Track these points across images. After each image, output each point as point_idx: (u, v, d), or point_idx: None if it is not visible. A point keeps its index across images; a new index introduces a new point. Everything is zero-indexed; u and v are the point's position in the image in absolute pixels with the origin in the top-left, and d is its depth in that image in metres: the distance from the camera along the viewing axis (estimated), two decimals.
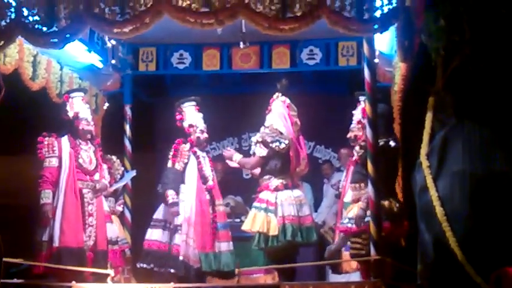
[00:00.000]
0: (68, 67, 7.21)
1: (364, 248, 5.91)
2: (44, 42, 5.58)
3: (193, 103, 6.70)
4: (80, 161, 6.22)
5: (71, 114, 6.31)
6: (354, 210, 5.97)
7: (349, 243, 6.05)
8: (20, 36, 5.68)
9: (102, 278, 5.93)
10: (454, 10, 5.72)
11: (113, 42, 7.15)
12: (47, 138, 6.17)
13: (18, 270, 6.12)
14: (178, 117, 6.65)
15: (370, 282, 5.31)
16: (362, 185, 5.94)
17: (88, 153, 6.32)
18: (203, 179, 6.47)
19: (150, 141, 9.18)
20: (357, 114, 6.37)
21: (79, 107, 6.35)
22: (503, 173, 6.00)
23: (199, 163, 6.48)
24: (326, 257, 6.31)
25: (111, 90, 8.05)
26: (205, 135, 6.62)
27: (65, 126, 6.34)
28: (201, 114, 6.68)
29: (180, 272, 6.14)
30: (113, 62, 7.34)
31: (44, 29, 5.40)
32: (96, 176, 6.31)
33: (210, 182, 6.52)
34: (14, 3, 5.41)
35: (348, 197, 6.24)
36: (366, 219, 5.75)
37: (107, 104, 8.01)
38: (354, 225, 5.88)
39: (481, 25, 5.77)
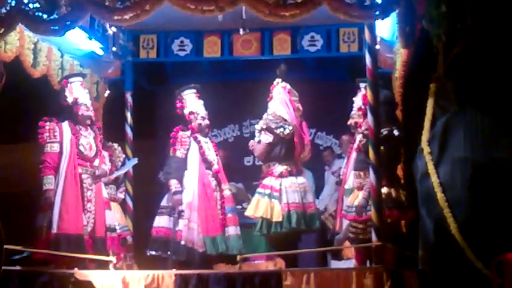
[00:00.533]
0: (69, 54, 7.19)
1: (362, 233, 5.93)
2: (45, 30, 5.57)
3: (194, 90, 6.70)
4: (81, 147, 6.21)
5: (70, 99, 6.30)
6: (359, 198, 5.97)
7: (350, 227, 6.08)
8: (20, 24, 5.67)
9: (103, 265, 5.95)
10: None
11: (114, 29, 7.12)
12: (48, 123, 6.15)
13: (20, 258, 6.13)
14: (178, 105, 6.65)
15: (371, 268, 5.33)
16: (365, 173, 5.94)
17: (88, 140, 6.31)
18: (206, 163, 6.47)
19: (152, 128, 9.17)
20: (358, 101, 6.37)
21: (78, 92, 6.34)
22: (504, 160, 6.00)
23: (200, 148, 6.48)
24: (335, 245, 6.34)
25: (112, 78, 8.04)
26: (207, 121, 6.62)
27: (64, 111, 6.33)
28: (201, 102, 6.67)
29: (181, 257, 6.15)
30: (114, 49, 7.32)
31: (45, 16, 5.40)
32: (96, 162, 6.31)
33: (216, 166, 6.53)
34: None
35: (351, 183, 6.24)
36: (368, 209, 5.77)
37: (108, 91, 8.00)
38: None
39: (483, 11, 5.75)
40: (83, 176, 6.17)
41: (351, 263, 6.50)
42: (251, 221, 6.73)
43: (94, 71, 7.72)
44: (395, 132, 6.16)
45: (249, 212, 6.39)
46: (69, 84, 6.37)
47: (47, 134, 6.12)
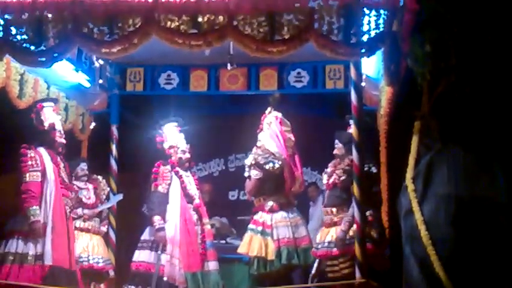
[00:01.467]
0: (55, 86, 7.19)
1: (341, 268, 5.90)
2: (32, 61, 5.56)
3: (174, 123, 6.70)
4: (62, 175, 6.13)
5: (46, 124, 6.21)
6: (331, 234, 5.96)
7: (325, 266, 6.04)
8: (7, 55, 5.66)
9: None
10: (440, 36, 5.79)
11: (101, 62, 7.16)
12: (29, 151, 6.02)
13: None
14: (158, 139, 6.65)
15: None
16: (338, 209, 5.94)
17: (61, 168, 6.20)
18: (188, 197, 6.45)
19: (136, 161, 9.13)
20: None
21: (53, 118, 6.27)
22: (487, 198, 6.03)
23: (182, 182, 6.46)
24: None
25: (98, 110, 8.04)
26: (187, 155, 6.60)
27: (39, 137, 6.21)
28: (182, 135, 6.66)
29: None
30: (100, 81, 7.34)
31: (32, 47, 5.39)
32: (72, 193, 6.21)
33: (197, 201, 6.51)
34: (1, 22, 5.40)
35: (319, 221, 6.24)
36: (347, 242, 5.76)
37: (93, 124, 8.00)
38: (334, 248, 5.87)
39: (466, 51, 5.83)
40: (66, 207, 6.10)
41: None
42: (234, 256, 6.67)
43: (80, 103, 7.72)
44: (373, 170, 6.19)
45: (242, 250, 6.30)
46: (43, 108, 6.28)
47: (30, 162, 5.97)
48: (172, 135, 6.62)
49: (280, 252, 6.11)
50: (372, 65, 6.34)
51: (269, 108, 6.60)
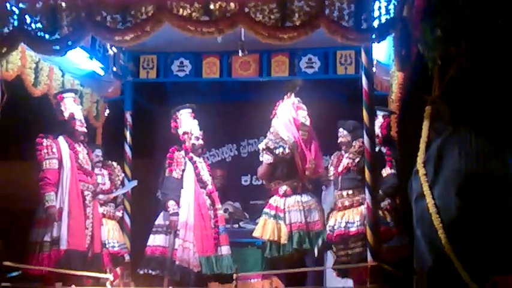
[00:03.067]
0: (70, 74, 7.28)
1: (347, 255, 5.97)
2: (46, 49, 5.64)
3: (189, 110, 6.75)
4: (79, 162, 6.24)
5: (66, 114, 6.33)
6: (347, 215, 6.00)
7: (333, 253, 6.11)
8: (22, 43, 5.75)
9: (101, 283, 5.96)
10: (451, 21, 5.79)
11: (114, 49, 7.23)
12: (45, 140, 6.16)
13: (17, 275, 6.14)
14: (173, 124, 6.71)
15: (367, 287, 5.36)
16: (354, 191, 6.00)
17: (83, 155, 6.34)
18: (201, 183, 6.52)
19: (150, 147, 9.24)
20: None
21: (73, 108, 6.38)
22: (498, 179, 6.06)
23: (196, 168, 6.52)
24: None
25: (112, 97, 8.13)
26: (201, 141, 6.66)
27: (60, 126, 6.35)
28: (196, 121, 6.72)
29: (175, 277, 6.16)
30: (114, 69, 7.41)
31: (47, 36, 5.46)
32: (96, 179, 6.37)
33: (210, 186, 6.58)
34: (16, 11, 5.48)
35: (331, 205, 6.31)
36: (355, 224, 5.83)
37: (107, 111, 8.09)
38: (351, 229, 5.91)
39: (477, 36, 5.84)
40: (85, 192, 6.20)
41: (346, 283, 6.53)
42: (247, 240, 6.74)
43: (94, 90, 7.80)
44: (383, 150, 6.24)
45: (256, 233, 6.37)
46: (64, 99, 6.41)
47: (45, 151, 6.12)
48: (186, 122, 6.68)
49: (292, 236, 6.17)
50: (382, 51, 6.36)
51: (289, 93, 6.61)
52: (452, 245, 5.97)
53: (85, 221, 6.14)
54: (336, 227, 6.08)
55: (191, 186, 6.46)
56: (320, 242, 6.22)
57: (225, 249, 6.43)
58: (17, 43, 5.66)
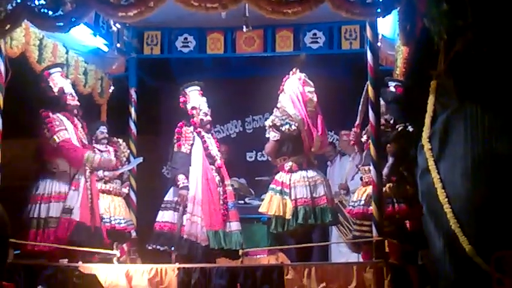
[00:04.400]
0: (74, 50, 7.25)
1: (367, 230, 5.97)
2: (50, 26, 5.61)
3: (197, 87, 6.73)
4: (80, 135, 6.24)
5: (56, 89, 6.26)
6: (368, 192, 6.00)
7: (345, 228, 6.11)
8: (26, 20, 5.72)
9: (106, 258, 6.00)
10: None
11: (118, 26, 7.18)
12: (51, 114, 6.12)
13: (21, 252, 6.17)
14: (181, 99, 6.69)
15: (372, 262, 5.37)
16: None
17: (79, 128, 6.30)
18: (210, 158, 6.50)
19: (155, 124, 9.24)
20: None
21: (61, 82, 6.31)
22: (504, 156, 6.05)
23: (204, 142, 6.50)
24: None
25: (116, 74, 8.10)
26: (209, 117, 6.64)
27: (53, 103, 6.25)
28: (204, 99, 6.71)
29: (183, 251, 6.20)
30: (118, 45, 7.37)
31: (50, 12, 5.43)
32: (88, 152, 6.24)
33: (218, 161, 6.56)
34: None
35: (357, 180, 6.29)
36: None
37: (112, 87, 8.07)
38: (370, 207, 5.91)
39: (483, 9, 5.79)
40: (85, 167, 6.16)
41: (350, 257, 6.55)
42: (253, 216, 6.75)
43: (98, 67, 7.79)
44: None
45: (262, 209, 6.35)
46: (50, 75, 6.32)
47: (56, 123, 6.08)
48: (195, 98, 6.66)
49: (297, 211, 6.17)
50: (387, 25, 6.31)
51: (294, 69, 6.57)
52: (458, 219, 6.01)
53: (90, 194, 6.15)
54: (355, 204, 6.09)
55: (199, 161, 6.45)
56: (330, 216, 6.22)
57: (234, 225, 6.43)
58: (20, 20, 5.62)
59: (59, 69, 6.46)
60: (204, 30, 7.68)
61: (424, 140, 6.37)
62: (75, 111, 6.32)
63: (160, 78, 9.36)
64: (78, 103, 6.34)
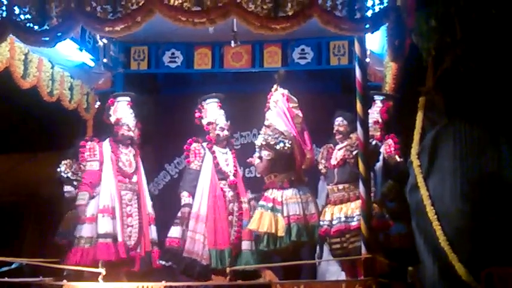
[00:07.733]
0: (60, 65, 7.18)
1: (342, 247, 5.93)
2: (36, 41, 5.56)
3: (216, 100, 6.67)
4: (120, 164, 6.40)
5: (113, 119, 6.51)
6: (346, 209, 5.96)
7: (327, 244, 6.07)
8: (11, 35, 5.66)
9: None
10: (446, 11, 5.76)
11: (105, 40, 7.14)
12: (88, 143, 6.44)
13: (10, 269, 6.11)
14: (197, 114, 6.63)
15: (361, 280, 5.32)
16: (351, 184, 5.95)
17: (128, 157, 6.49)
18: (220, 174, 6.40)
19: (142, 139, 9.14)
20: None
21: (122, 113, 6.52)
22: (493, 173, 6.04)
23: (214, 158, 6.43)
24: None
25: (102, 89, 8.03)
26: (226, 132, 6.57)
27: (106, 129, 6.57)
28: (222, 111, 6.65)
29: (180, 267, 6.12)
30: (105, 60, 7.32)
31: (36, 27, 5.39)
32: (134, 179, 6.47)
33: (231, 178, 6.47)
34: (5, 1, 5.40)
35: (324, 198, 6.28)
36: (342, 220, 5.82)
37: (98, 103, 7.99)
38: (352, 223, 5.87)
39: (472, 26, 5.81)
40: (122, 192, 6.33)
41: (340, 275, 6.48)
42: None
43: (84, 82, 7.72)
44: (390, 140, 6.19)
45: (252, 226, 6.27)
46: (115, 103, 6.56)
47: (88, 153, 6.40)
48: (212, 112, 6.59)
49: (290, 228, 6.10)
50: (376, 41, 6.30)
51: (275, 86, 6.55)
52: (447, 236, 5.98)
53: (124, 219, 6.28)
54: (334, 222, 6.01)
55: (207, 178, 6.36)
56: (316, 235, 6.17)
57: (246, 244, 6.32)
58: (5, 34, 5.57)
59: (127, 98, 6.68)
60: (192, 45, 7.65)
61: (413, 156, 6.35)
62: (128, 141, 6.56)
63: (147, 93, 9.27)
64: (132, 134, 6.59)
